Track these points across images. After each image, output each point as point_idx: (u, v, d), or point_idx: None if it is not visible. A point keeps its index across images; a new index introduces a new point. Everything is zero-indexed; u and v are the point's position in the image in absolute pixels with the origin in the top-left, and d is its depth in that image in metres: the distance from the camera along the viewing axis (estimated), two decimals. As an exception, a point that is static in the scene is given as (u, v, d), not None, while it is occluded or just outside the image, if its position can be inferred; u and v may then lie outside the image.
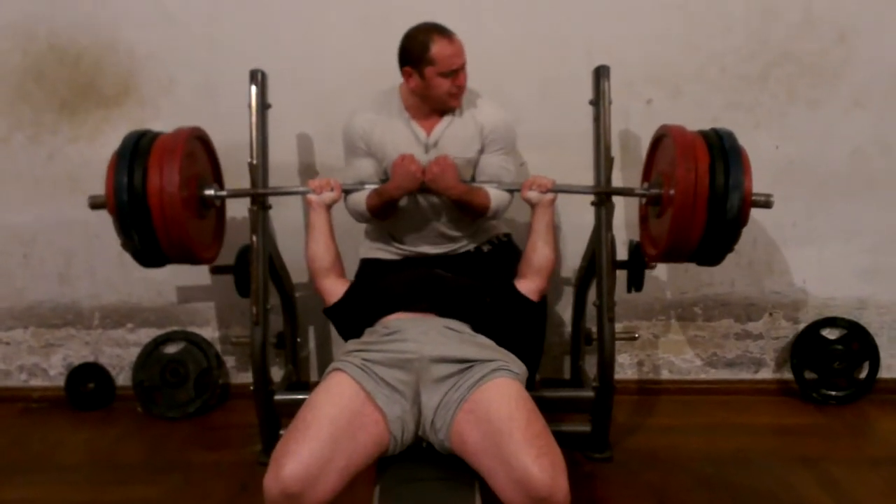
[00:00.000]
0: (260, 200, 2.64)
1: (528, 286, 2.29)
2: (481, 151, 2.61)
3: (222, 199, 2.60)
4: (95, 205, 2.30)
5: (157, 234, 2.26)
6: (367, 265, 2.75)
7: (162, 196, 2.21)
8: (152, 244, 2.30)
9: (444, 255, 2.70)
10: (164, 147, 2.28)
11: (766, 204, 2.26)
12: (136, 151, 2.27)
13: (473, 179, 2.62)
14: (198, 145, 2.49)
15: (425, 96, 2.51)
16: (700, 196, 2.19)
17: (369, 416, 1.81)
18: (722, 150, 2.23)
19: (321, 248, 2.36)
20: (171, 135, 2.35)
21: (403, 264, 2.67)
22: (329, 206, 2.43)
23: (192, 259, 2.43)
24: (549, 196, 2.39)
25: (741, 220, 2.23)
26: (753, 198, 2.22)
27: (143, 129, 2.40)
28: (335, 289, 2.32)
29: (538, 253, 2.33)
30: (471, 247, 2.72)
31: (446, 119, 2.57)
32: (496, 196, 2.55)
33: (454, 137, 2.57)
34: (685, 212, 2.21)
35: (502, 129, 2.61)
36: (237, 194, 2.62)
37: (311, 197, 2.42)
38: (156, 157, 2.24)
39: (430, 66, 2.42)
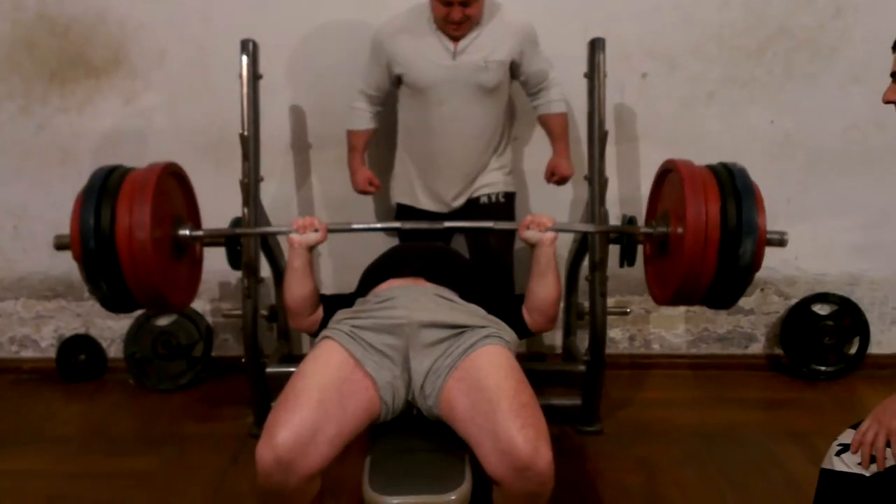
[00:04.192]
0: (251, 172, 2.63)
1: (530, 320, 2.16)
2: (521, 55, 2.65)
3: (199, 239, 2.35)
4: (61, 246, 2.09)
5: (127, 281, 2.04)
6: (401, 211, 2.88)
7: (132, 241, 1.99)
8: (121, 292, 2.08)
9: (452, 210, 2.78)
10: (135, 186, 2.05)
11: (781, 243, 2.08)
12: (104, 190, 2.05)
13: (513, 79, 2.73)
14: (172, 182, 2.27)
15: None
16: (711, 240, 1.99)
17: (359, 383, 1.81)
18: (734, 189, 2.04)
19: (304, 291, 2.14)
20: (143, 172, 2.13)
21: (422, 215, 2.78)
22: (311, 248, 2.18)
23: (164, 306, 2.23)
24: (550, 235, 2.15)
25: (755, 264, 2.04)
26: (768, 237, 2.04)
27: (112, 164, 2.19)
28: (316, 318, 2.20)
29: (537, 295, 2.12)
30: (476, 194, 2.76)
31: (475, 30, 2.58)
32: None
33: (482, 44, 2.59)
34: (695, 256, 2.01)
35: (532, 29, 2.67)
36: (215, 234, 2.41)
37: (294, 237, 2.16)
38: (125, 198, 2.02)
39: None
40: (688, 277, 2.06)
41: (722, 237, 1.99)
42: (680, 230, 2.08)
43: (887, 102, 1.60)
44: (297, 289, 2.14)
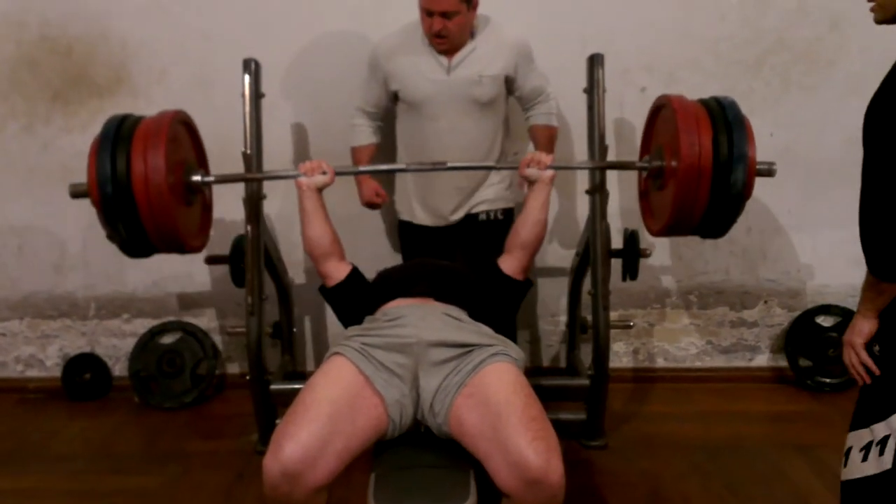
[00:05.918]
0: (254, 189, 2.64)
1: (511, 264, 2.26)
2: (515, 70, 2.67)
3: (209, 184, 2.45)
4: (77, 193, 2.17)
5: (144, 224, 2.13)
6: (403, 227, 2.93)
7: (147, 185, 2.07)
8: (139, 235, 2.17)
9: (450, 224, 2.80)
10: (148, 133, 2.13)
11: (769, 173, 2.17)
12: (118, 138, 2.13)
13: (509, 94, 2.75)
14: (181, 130, 2.35)
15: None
16: (704, 170, 2.09)
17: (368, 400, 1.82)
18: (725, 121, 2.14)
19: (318, 231, 2.26)
20: (154, 119, 2.22)
21: (422, 230, 2.82)
22: (320, 190, 2.32)
23: (180, 248, 2.29)
24: (549, 173, 2.32)
25: (746, 192, 2.15)
26: (757, 167, 2.14)
27: (123, 113, 2.26)
28: (337, 272, 2.26)
29: (528, 228, 2.27)
30: (474, 210, 2.79)
31: (469, 45, 2.62)
32: None
33: (477, 59, 2.62)
34: (689, 186, 2.12)
35: (527, 44, 2.70)
36: (225, 180, 2.52)
37: (302, 180, 2.30)
38: (139, 144, 2.10)
39: None
40: (682, 207, 2.17)
41: (714, 167, 2.10)
42: (674, 163, 2.18)
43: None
44: (309, 230, 2.27)
